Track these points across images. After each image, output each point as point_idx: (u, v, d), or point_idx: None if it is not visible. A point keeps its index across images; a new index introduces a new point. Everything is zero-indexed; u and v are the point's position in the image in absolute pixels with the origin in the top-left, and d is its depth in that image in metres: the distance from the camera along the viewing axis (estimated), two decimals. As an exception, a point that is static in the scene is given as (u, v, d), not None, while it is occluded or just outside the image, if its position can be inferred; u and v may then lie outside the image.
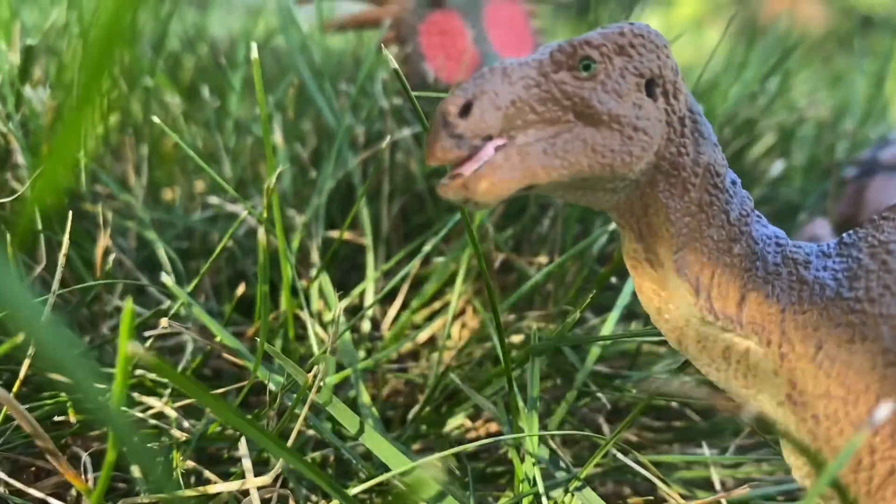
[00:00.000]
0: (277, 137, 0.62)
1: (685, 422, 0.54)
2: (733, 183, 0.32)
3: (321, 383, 0.38)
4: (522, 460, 0.41)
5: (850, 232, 0.33)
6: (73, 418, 0.41)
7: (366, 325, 0.58)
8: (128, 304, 0.24)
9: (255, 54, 0.43)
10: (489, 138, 0.27)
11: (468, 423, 0.52)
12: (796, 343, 0.31)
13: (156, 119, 0.44)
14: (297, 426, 0.37)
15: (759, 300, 0.31)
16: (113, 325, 0.52)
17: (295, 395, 0.39)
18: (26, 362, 0.38)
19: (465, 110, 0.27)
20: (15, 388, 0.38)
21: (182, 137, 0.62)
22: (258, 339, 0.40)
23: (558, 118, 0.28)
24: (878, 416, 0.27)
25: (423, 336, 0.58)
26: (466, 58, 0.72)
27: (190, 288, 0.44)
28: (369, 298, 0.58)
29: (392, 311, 0.59)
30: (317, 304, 0.55)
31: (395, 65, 0.37)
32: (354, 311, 0.61)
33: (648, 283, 0.32)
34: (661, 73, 0.30)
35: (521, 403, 0.41)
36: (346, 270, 0.64)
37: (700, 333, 0.32)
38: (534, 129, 0.28)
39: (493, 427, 0.52)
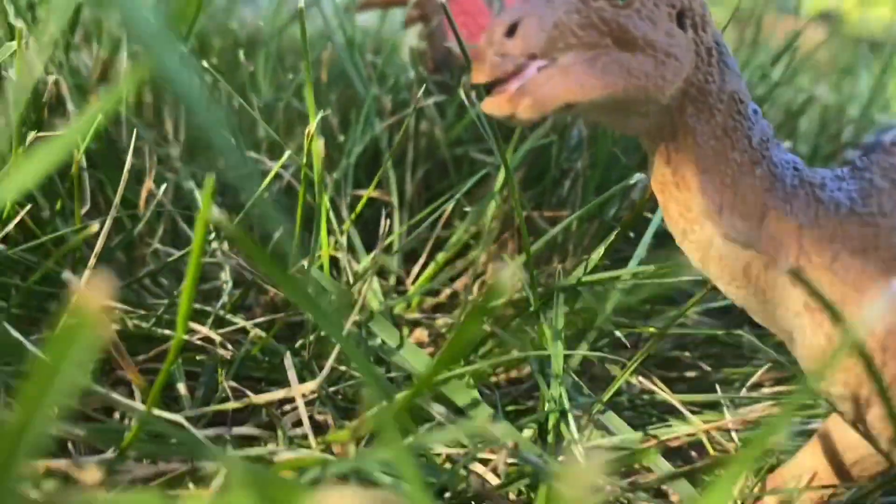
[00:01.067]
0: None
1: (698, 371, 0.57)
2: (755, 112, 0.34)
3: (364, 300, 0.40)
4: (549, 386, 0.43)
5: (863, 156, 0.35)
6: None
7: (392, 281, 0.60)
8: (209, 182, 0.26)
9: (301, 2, 0.46)
10: (533, 57, 0.29)
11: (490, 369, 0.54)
12: (813, 255, 0.33)
13: (203, 63, 0.46)
14: (348, 325, 0.39)
15: (778, 217, 0.33)
16: (151, 275, 0.54)
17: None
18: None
19: (512, 31, 0.28)
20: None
21: (217, 98, 0.65)
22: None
23: (597, 42, 0.29)
24: (893, 288, 0.29)
25: (447, 292, 0.60)
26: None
27: (237, 220, 0.46)
28: (395, 254, 0.60)
29: (416, 268, 0.61)
30: (349, 262, 0.57)
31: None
32: (381, 273, 0.63)
33: (675, 205, 0.34)
34: (691, 6, 0.32)
35: (547, 332, 0.44)
36: (372, 231, 0.67)
37: (723, 252, 0.34)
38: (574, 52, 0.29)
39: (522, 373, 0.54)
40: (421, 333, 0.59)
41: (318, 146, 0.37)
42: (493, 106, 0.29)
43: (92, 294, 0.15)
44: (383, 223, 0.39)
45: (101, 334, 0.15)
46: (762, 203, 0.34)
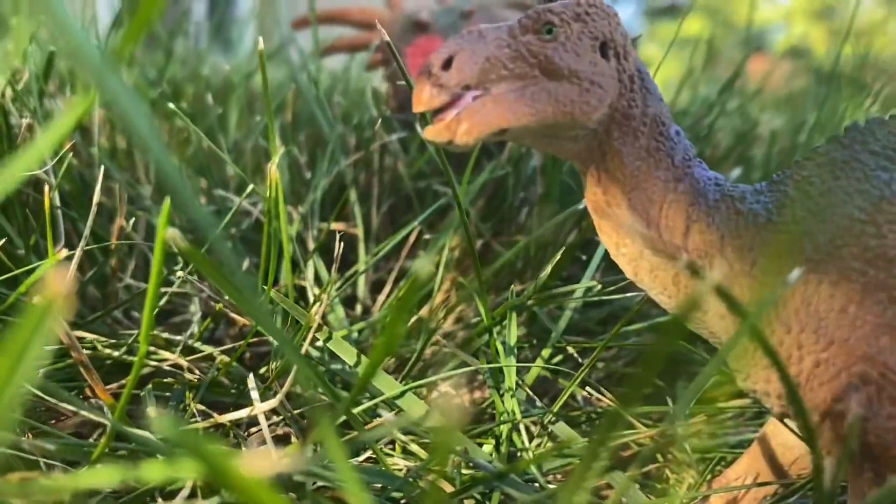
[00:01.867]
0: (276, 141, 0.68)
1: (654, 387, 0.59)
2: (677, 133, 0.37)
3: (320, 321, 0.42)
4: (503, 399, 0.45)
5: (780, 172, 0.38)
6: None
7: (359, 310, 0.63)
8: (166, 203, 0.29)
9: (261, 45, 0.49)
10: (468, 88, 0.31)
11: (452, 392, 0.56)
12: (734, 262, 0.35)
13: (171, 105, 0.49)
14: (305, 344, 0.41)
15: (701, 229, 0.36)
16: (125, 310, 0.57)
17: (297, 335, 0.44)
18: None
19: (447, 63, 0.31)
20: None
21: (188, 138, 0.67)
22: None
23: (526, 73, 0.32)
24: (791, 278, 0.32)
25: (413, 320, 0.63)
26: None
27: (203, 249, 0.48)
28: (361, 283, 0.63)
29: (382, 297, 0.64)
30: (312, 287, 0.60)
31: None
32: (348, 302, 0.66)
33: (607, 221, 0.37)
34: (613, 37, 0.35)
35: (500, 348, 0.46)
36: (339, 267, 0.69)
37: (652, 263, 0.37)
38: (506, 83, 0.32)
39: (478, 395, 0.56)
40: (387, 359, 0.61)
41: (274, 174, 0.39)
42: (433, 133, 0.32)
43: (54, 281, 0.17)
44: (337, 247, 0.42)
45: (62, 319, 0.17)
46: (686, 216, 0.36)
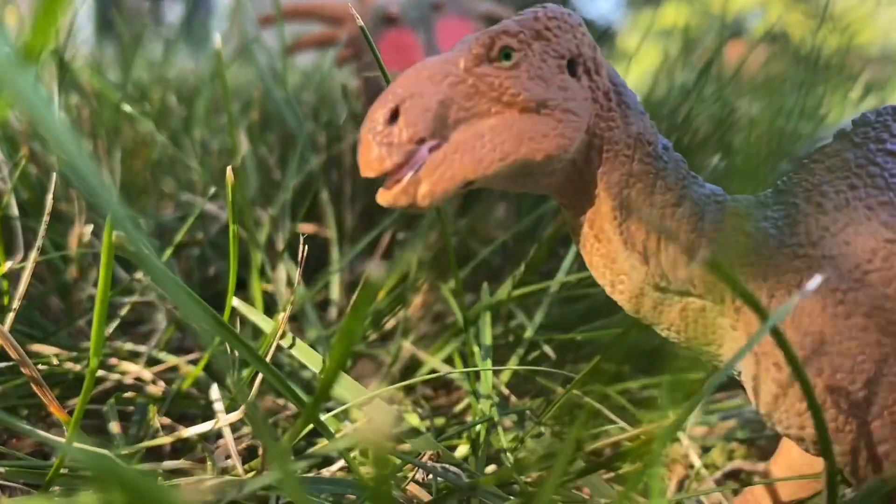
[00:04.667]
0: (243, 143, 0.66)
1: (642, 385, 0.58)
2: (665, 148, 0.32)
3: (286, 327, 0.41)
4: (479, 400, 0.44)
5: (785, 178, 0.33)
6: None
7: (334, 314, 0.61)
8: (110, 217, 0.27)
9: (218, 44, 0.47)
10: (422, 141, 0.27)
11: (430, 392, 0.55)
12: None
13: (127, 107, 0.47)
14: (270, 352, 0.40)
15: (708, 258, 0.31)
16: (88, 320, 0.55)
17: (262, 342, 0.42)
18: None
19: (394, 116, 0.27)
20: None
21: (153, 141, 0.65)
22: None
23: (488, 110, 0.28)
24: (809, 287, 0.28)
25: (390, 322, 0.61)
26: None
27: (165, 257, 0.47)
28: (335, 285, 0.61)
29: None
30: (284, 291, 0.58)
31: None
32: (323, 305, 0.64)
33: (598, 258, 0.33)
34: (580, 52, 0.30)
35: (476, 349, 0.45)
36: (311, 271, 0.67)
37: (655, 299, 0.32)
38: (465, 125, 0.28)
39: (455, 396, 0.55)
40: (365, 364, 0.59)
41: (230, 176, 0.38)
42: (389, 199, 0.27)
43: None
44: (301, 250, 0.40)
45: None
46: (689, 246, 0.32)
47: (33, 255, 0.41)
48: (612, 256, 0.32)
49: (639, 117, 0.32)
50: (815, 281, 0.28)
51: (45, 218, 0.42)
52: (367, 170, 0.27)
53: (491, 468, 0.41)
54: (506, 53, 0.28)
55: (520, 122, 0.28)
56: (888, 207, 0.30)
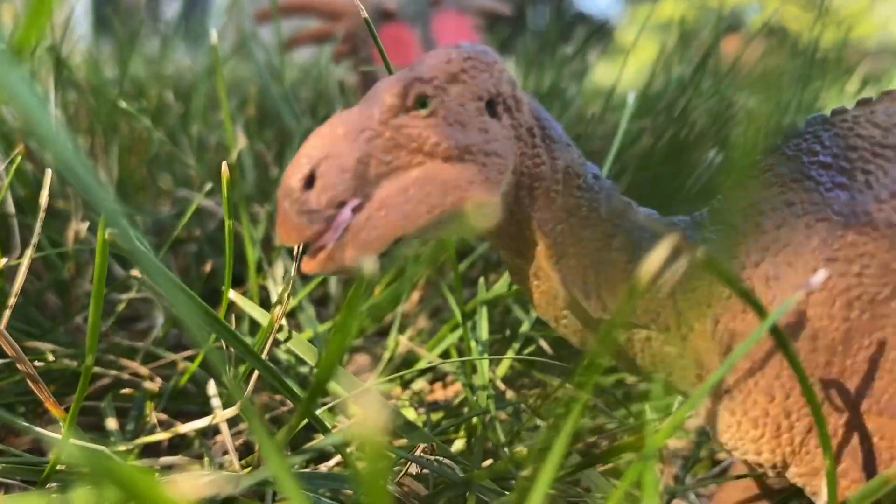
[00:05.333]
0: (241, 139, 0.66)
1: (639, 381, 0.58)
2: (596, 177, 0.31)
3: (282, 322, 0.41)
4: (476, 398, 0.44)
5: (719, 197, 0.32)
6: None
7: (333, 309, 0.61)
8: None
9: (214, 39, 0.47)
10: (343, 204, 0.25)
11: (427, 387, 0.55)
12: (694, 322, 0.30)
13: (122, 104, 0.47)
14: (267, 346, 0.40)
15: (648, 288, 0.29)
16: (85, 317, 0.55)
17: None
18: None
19: (310, 181, 0.25)
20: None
21: (150, 137, 0.66)
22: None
23: (409, 162, 0.27)
24: (815, 281, 0.27)
25: (388, 317, 0.61)
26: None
27: (161, 253, 0.47)
28: (333, 280, 0.61)
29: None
30: (281, 287, 0.58)
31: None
32: (322, 302, 0.64)
33: (539, 295, 0.32)
34: (499, 91, 0.29)
35: (473, 344, 0.45)
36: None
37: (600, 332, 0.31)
38: (388, 180, 0.26)
39: (451, 391, 0.55)
40: (363, 359, 0.59)
41: (226, 172, 0.38)
42: (314, 268, 0.26)
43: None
44: (297, 246, 0.40)
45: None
46: (627, 276, 0.30)
47: (29, 251, 0.41)
48: (553, 293, 0.31)
49: (565, 150, 0.31)
50: (820, 275, 0.27)
51: (41, 215, 0.42)
52: (287, 240, 0.25)
53: (488, 462, 0.41)
54: (422, 101, 0.27)
55: (443, 171, 0.27)
56: (826, 224, 0.29)
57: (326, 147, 0.26)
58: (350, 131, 0.26)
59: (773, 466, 0.30)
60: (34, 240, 0.42)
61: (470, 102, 0.28)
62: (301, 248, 0.38)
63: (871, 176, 0.30)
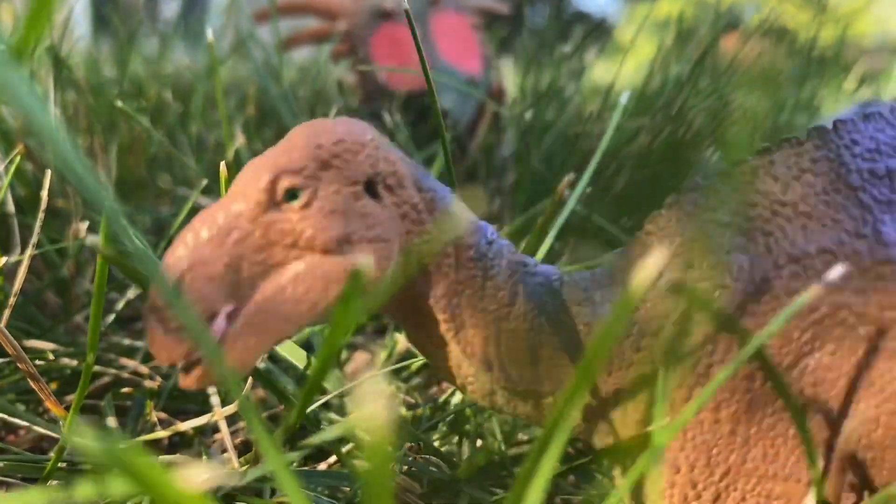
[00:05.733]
0: (239, 138, 0.66)
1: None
2: (489, 243, 0.30)
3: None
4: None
5: (619, 249, 0.31)
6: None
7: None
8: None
9: (210, 38, 0.47)
10: (215, 314, 0.24)
11: (423, 383, 0.55)
12: (604, 388, 0.29)
13: (119, 103, 0.47)
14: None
15: (550, 355, 0.29)
16: (86, 316, 0.55)
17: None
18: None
19: (177, 289, 0.23)
20: None
21: (149, 137, 0.66)
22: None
23: (285, 258, 0.25)
24: (833, 275, 0.26)
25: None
26: (415, 64, 0.77)
27: (160, 252, 0.47)
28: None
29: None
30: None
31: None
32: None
33: (443, 364, 0.30)
34: (377, 170, 0.27)
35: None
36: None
37: (507, 397, 0.30)
38: (263, 281, 0.25)
39: (446, 387, 0.55)
40: (362, 357, 0.59)
41: (224, 171, 0.38)
42: (195, 382, 0.24)
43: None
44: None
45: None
46: (528, 345, 0.29)
47: (29, 250, 0.41)
48: (457, 363, 0.30)
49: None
50: (837, 270, 0.26)
51: (41, 214, 0.42)
52: (162, 361, 0.24)
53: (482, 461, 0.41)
54: (291, 193, 0.25)
55: (323, 264, 0.25)
56: (726, 292, 0.28)
57: (191, 256, 0.24)
58: (216, 235, 0.24)
59: None
60: (34, 239, 0.42)
61: (346, 190, 0.26)
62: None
63: (770, 238, 0.28)
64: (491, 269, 0.29)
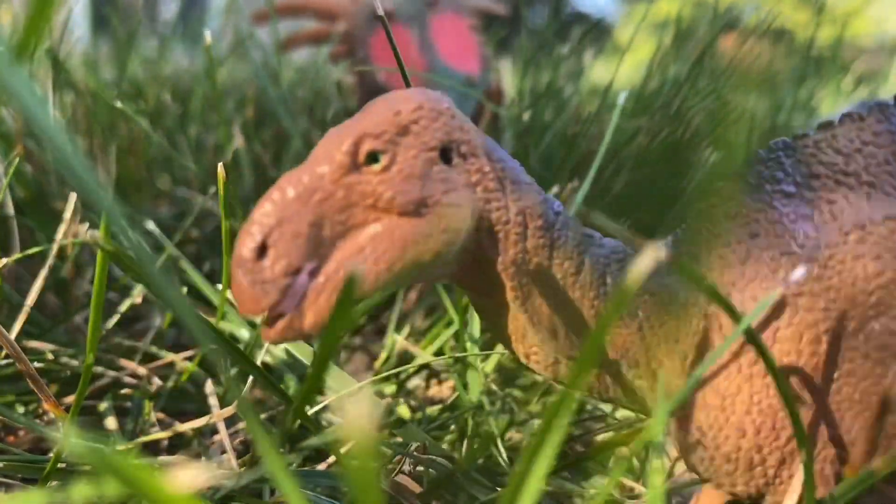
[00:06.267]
0: (238, 139, 0.66)
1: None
2: (556, 213, 0.30)
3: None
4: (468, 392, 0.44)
5: (684, 226, 0.32)
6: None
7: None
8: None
9: (208, 39, 0.47)
10: (298, 270, 0.25)
11: (422, 385, 0.55)
12: (664, 358, 0.30)
13: (118, 103, 0.47)
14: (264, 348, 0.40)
15: (615, 324, 0.30)
16: (85, 316, 0.55)
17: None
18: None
19: (262, 250, 0.25)
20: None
21: (148, 138, 0.66)
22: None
23: (365, 220, 0.26)
24: (795, 276, 0.27)
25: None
26: (414, 66, 0.77)
27: (164, 255, 0.47)
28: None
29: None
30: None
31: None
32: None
33: (507, 333, 0.31)
34: (452, 138, 0.28)
35: (467, 342, 0.45)
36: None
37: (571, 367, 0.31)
38: (343, 241, 0.26)
39: (446, 388, 0.55)
40: (361, 358, 0.60)
41: (221, 172, 0.38)
42: (275, 336, 0.25)
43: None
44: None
45: None
46: (595, 313, 0.30)
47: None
48: (521, 332, 0.30)
49: (525, 189, 0.29)
50: (799, 272, 0.28)
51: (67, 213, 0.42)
52: (246, 311, 0.25)
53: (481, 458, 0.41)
54: (372, 156, 0.26)
55: (400, 226, 0.26)
56: (791, 258, 0.29)
57: (278, 213, 0.25)
58: (301, 194, 0.25)
59: (749, 496, 0.30)
60: (52, 246, 0.42)
61: (423, 154, 0.27)
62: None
63: (835, 206, 0.29)
64: (559, 238, 0.29)
